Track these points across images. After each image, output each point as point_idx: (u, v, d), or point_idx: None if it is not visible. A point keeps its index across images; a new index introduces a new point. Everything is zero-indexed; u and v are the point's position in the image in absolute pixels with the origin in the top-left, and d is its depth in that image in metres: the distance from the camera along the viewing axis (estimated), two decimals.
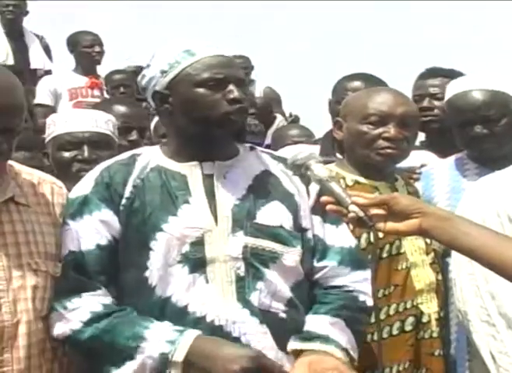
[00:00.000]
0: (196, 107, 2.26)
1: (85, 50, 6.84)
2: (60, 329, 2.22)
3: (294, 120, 6.23)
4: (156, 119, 4.47)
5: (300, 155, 2.14)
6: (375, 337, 2.53)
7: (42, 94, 6.55)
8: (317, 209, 2.34)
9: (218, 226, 2.25)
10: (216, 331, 2.19)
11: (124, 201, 2.27)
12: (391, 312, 2.65)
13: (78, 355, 2.30)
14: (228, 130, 2.29)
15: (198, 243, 2.23)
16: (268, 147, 4.86)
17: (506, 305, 2.41)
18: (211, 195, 2.29)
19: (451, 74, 3.58)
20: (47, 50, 7.29)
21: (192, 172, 2.30)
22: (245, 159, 2.36)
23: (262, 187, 2.32)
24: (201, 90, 2.26)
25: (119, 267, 2.26)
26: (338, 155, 3.15)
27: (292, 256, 2.29)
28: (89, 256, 2.24)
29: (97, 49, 6.83)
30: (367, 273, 2.35)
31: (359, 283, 2.37)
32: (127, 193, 2.27)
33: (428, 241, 2.70)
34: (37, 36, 7.29)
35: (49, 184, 2.37)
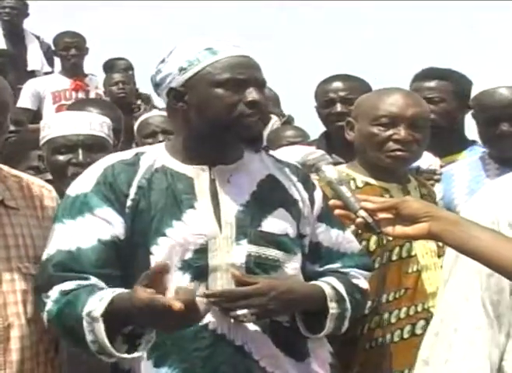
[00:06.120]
0: (212, 108, 2.18)
1: (61, 54, 6.70)
2: (43, 314, 2.15)
3: (288, 121, 6.15)
4: (140, 119, 4.42)
5: (312, 155, 2.14)
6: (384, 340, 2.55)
7: (24, 98, 6.39)
8: (323, 216, 2.33)
9: (222, 233, 2.20)
10: (219, 339, 2.16)
11: (129, 202, 2.19)
12: (402, 316, 2.62)
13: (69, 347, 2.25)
14: (241, 135, 2.22)
15: (202, 251, 2.18)
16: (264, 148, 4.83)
17: None
18: (216, 200, 2.23)
19: (448, 76, 3.51)
20: (48, 51, 7.13)
21: (199, 175, 2.24)
22: (249, 162, 2.31)
23: (267, 193, 2.27)
24: (219, 91, 2.18)
25: (118, 268, 2.18)
26: (334, 156, 3.14)
27: (293, 263, 2.27)
28: (87, 251, 2.14)
29: (72, 52, 6.61)
30: (366, 273, 2.36)
31: (355, 271, 2.36)
32: (132, 194, 2.20)
33: (440, 244, 2.63)
34: (37, 37, 7.18)
35: (38, 187, 2.35)
